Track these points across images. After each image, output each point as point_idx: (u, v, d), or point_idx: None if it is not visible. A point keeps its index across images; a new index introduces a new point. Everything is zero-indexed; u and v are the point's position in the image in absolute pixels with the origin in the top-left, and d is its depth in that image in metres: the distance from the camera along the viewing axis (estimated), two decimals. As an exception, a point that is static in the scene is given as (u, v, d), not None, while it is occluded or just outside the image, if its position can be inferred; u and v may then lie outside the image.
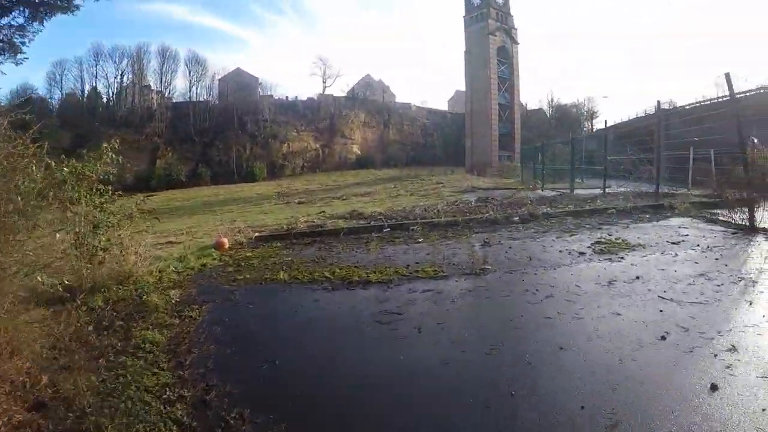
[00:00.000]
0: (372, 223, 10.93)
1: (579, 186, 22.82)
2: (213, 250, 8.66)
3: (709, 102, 32.56)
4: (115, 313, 5.14)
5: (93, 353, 4.11)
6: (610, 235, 8.11)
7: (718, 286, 5.17)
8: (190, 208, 38.29)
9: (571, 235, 8.42)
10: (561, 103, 79.45)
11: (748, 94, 27.94)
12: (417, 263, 6.79)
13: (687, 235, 7.98)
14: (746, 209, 8.58)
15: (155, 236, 14.04)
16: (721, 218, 9.28)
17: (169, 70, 75.48)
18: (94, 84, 72.47)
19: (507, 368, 3.54)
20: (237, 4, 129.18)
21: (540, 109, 79.38)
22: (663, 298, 4.85)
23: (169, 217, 29.56)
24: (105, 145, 6.67)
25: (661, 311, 4.49)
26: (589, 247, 7.33)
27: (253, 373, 3.75)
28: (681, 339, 3.87)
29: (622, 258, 6.54)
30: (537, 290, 5.27)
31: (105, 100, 73.39)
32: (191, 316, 5.03)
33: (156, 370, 3.78)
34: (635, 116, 42.94)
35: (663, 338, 3.90)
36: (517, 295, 5.20)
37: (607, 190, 15.64)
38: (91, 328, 4.69)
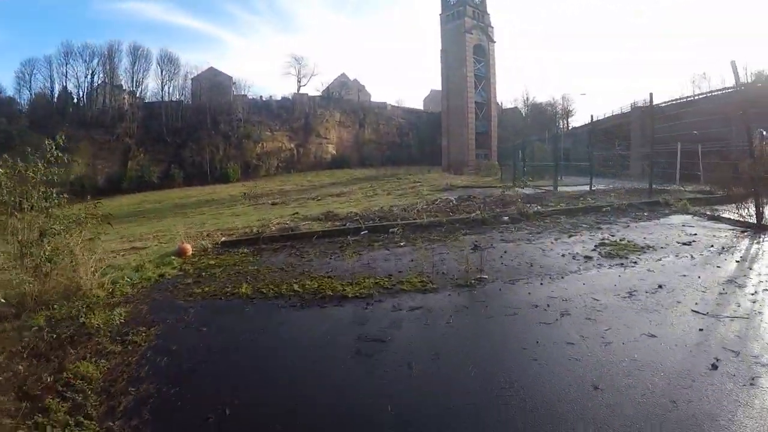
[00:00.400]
0: (348, 225, 9.97)
1: (561, 184, 22.19)
2: (174, 257, 7.65)
3: (685, 99, 32.85)
4: (54, 336, 4.29)
5: (15, 393, 3.36)
6: (612, 236, 7.34)
7: (753, 295, 4.43)
8: (161, 211, 36.85)
9: (570, 236, 7.63)
10: (536, 101, 79.55)
11: (725, 91, 27.72)
12: (400, 272, 5.88)
13: (695, 234, 7.25)
14: (752, 205, 7.93)
15: (120, 242, 13.02)
16: (725, 215, 8.57)
17: (141, 69, 72.95)
18: (64, 84, 69.57)
19: (531, 424, 2.61)
20: (212, 3, 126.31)
21: (515, 108, 79.31)
22: (697, 312, 4.06)
23: (138, 221, 28.38)
24: (47, 141, 5.79)
25: (700, 330, 3.70)
26: (593, 249, 6.53)
27: (198, 425, 2.87)
28: (735, 367, 3.08)
29: (634, 263, 5.74)
30: (548, 306, 4.39)
31: (75, 100, 70.41)
32: (135, 341, 4.21)
33: (81, 419, 2.98)
34: (611, 114, 42.64)
35: (714, 367, 3.10)
36: (525, 313, 4.28)
37: (593, 187, 14.97)
38: (25, 355, 3.97)
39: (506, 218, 9.10)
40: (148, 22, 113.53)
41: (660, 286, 4.74)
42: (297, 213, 16.56)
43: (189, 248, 8.13)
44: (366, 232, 8.93)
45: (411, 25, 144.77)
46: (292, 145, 73.54)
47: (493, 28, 60.82)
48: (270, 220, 13.24)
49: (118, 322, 4.63)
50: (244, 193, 39.51)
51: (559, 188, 16.87)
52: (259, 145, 71.50)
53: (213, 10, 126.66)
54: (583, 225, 8.54)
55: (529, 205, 10.65)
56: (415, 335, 3.99)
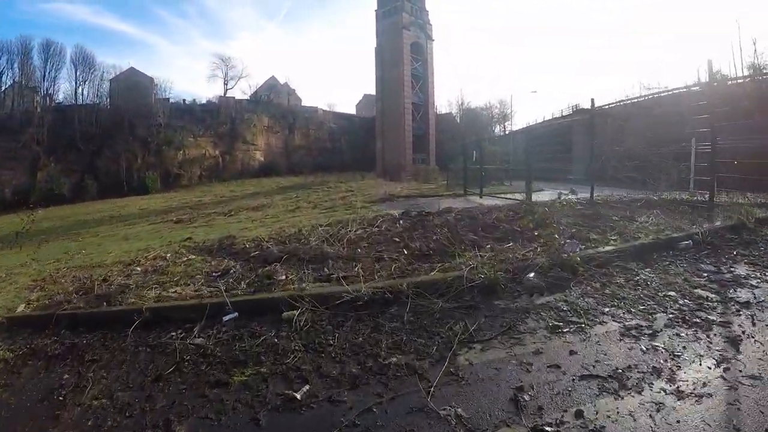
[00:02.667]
0: (213, 287, 4.98)
1: (512, 190, 17.99)
2: None
3: (635, 100, 30.36)
4: None
5: None
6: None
7: None
8: (54, 231, 29.94)
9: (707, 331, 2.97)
10: (470, 106, 76.60)
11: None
12: None
13: None
14: None
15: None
16: None
17: (53, 68, 63.40)
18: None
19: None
20: (142, 6, 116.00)
21: (449, 113, 76.01)
22: None
23: (17, 248, 22.00)
24: None
25: None
26: None
27: None
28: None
29: None
30: None
31: (-21, 103, 60.14)
32: None
33: None
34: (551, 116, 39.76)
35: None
36: None
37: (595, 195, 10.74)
38: None
39: (532, 277, 4.27)
40: (75, 24, 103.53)
41: None
42: (190, 238, 11.71)
43: None
44: (233, 316, 3.95)
45: (344, 30, 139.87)
46: (217, 152, 66.54)
47: (431, 25, 56.66)
48: (136, 258, 8.25)
49: None
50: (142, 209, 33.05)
51: (535, 196, 12.64)
52: (181, 152, 63.94)
53: (143, 13, 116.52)
54: (696, 290, 3.95)
55: (563, 243, 5.82)
56: None
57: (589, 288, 4.17)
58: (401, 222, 9.30)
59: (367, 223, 9.42)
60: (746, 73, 30.63)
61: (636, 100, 29.49)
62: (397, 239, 7.10)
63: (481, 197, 16.64)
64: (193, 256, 7.64)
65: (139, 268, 6.87)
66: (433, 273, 4.67)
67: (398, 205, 16.48)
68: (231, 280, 5.32)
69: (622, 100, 29.26)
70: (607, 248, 5.23)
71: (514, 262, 4.69)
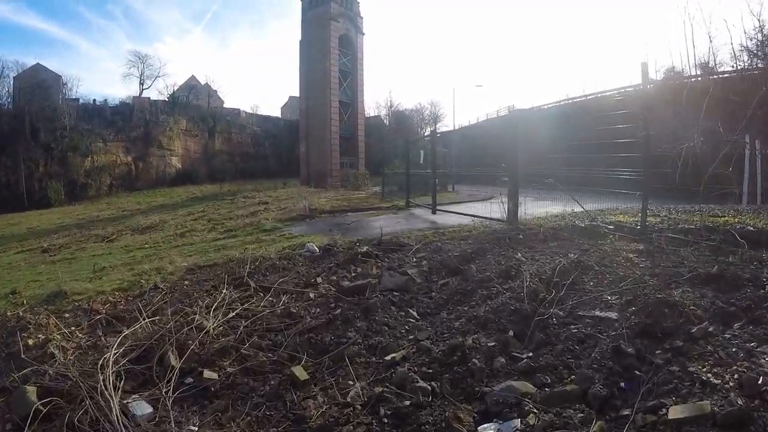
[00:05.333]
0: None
1: (461, 199, 15.43)
2: None
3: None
4: None
5: None
6: None
7: None
8: None
9: None
10: (400, 108, 74.27)
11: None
12: None
13: None
14: None
15: None
16: None
17: None
18: None
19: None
20: (66, 5, 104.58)
21: (378, 116, 73.21)
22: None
23: None
24: None
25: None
26: None
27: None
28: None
29: None
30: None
31: None
32: None
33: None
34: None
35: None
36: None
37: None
38: None
39: None
40: None
41: None
42: (16, 292, 8.74)
43: None
44: None
45: (270, 31, 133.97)
46: (129, 159, 60.27)
47: (362, 18, 52.23)
48: None
49: None
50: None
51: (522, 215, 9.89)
52: (89, 159, 57.23)
53: (65, 12, 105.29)
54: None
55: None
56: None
57: None
58: (320, 268, 6.24)
59: (268, 265, 6.26)
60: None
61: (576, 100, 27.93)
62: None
63: (434, 213, 13.70)
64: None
65: None
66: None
67: (321, 225, 13.40)
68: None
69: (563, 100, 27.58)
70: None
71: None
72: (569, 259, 5.66)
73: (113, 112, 62.81)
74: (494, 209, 11.20)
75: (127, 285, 7.69)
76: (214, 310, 5.33)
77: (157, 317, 5.54)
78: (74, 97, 63.46)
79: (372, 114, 72.49)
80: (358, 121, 50.71)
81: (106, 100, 64.71)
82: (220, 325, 4.88)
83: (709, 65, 29.16)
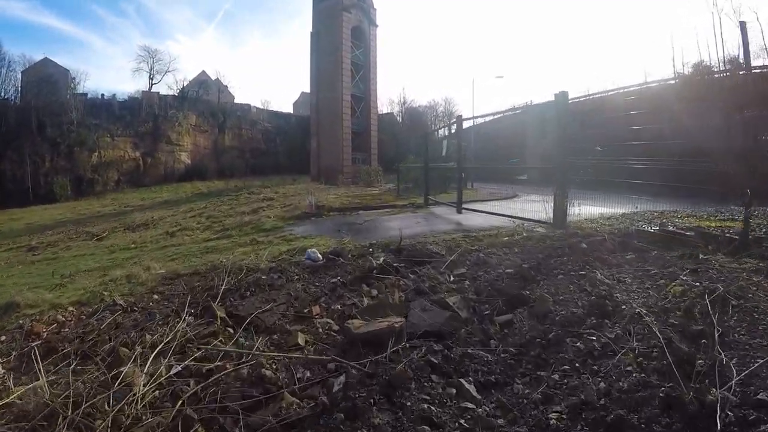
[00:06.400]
0: None
1: (482, 197, 13.76)
2: None
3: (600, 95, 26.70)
4: None
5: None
6: None
7: None
8: None
9: None
10: (413, 105, 72.24)
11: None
12: None
13: None
14: None
15: None
16: None
17: None
18: None
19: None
20: (79, 3, 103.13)
21: (391, 113, 71.24)
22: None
23: None
24: None
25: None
26: None
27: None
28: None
29: None
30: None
31: None
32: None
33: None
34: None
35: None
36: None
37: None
38: None
39: None
40: (10, 21, 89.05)
41: None
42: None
43: None
44: None
45: (283, 26, 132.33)
46: (138, 154, 58.74)
47: (375, 9, 49.63)
48: None
49: None
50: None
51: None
52: (96, 154, 55.81)
53: (80, 11, 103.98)
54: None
55: None
56: None
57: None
58: (321, 305, 4.43)
59: (224, 321, 4.39)
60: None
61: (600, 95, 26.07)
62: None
63: (459, 212, 11.83)
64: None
65: None
66: None
67: (329, 224, 11.62)
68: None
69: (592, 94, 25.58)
70: None
71: None
72: (685, 285, 3.77)
73: (121, 107, 61.31)
74: (528, 208, 9.34)
75: (88, 297, 6.40)
76: (156, 355, 3.53)
77: (78, 363, 3.80)
78: (83, 92, 62.20)
79: (385, 111, 70.62)
80: (371, 115, 48.41)
81: (114, 94, 63.22)
82: (155, 389, 3.05)
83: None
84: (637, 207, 8.87)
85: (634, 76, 55.43)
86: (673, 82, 18.50)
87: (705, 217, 8.08)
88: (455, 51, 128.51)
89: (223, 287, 5.28)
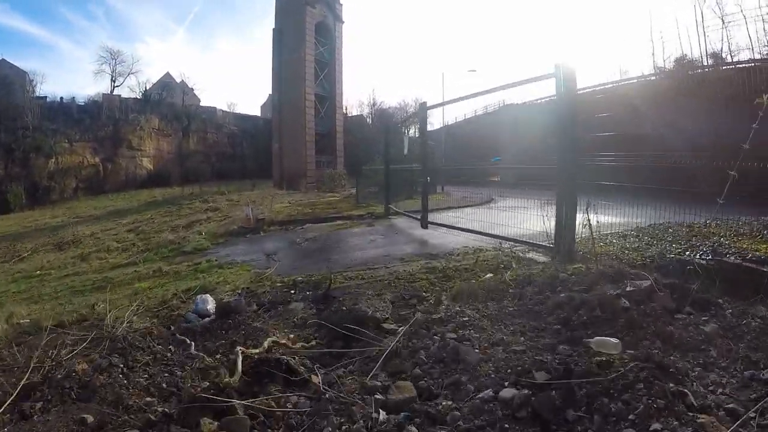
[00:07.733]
0: None
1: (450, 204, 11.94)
2: None
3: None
4: None
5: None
6: None
7: None
8: None
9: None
10: (384, 106, 70.13)
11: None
12: None
13: None
14: None
15: None
16: None
17: None
18: None
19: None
20: (48, 6, 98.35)
21: (360, 115, 69.02)
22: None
23: None
24: None
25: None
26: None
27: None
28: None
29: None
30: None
31: None
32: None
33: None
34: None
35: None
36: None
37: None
38: None
39: None
40: None
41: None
42: None
43: None
44: None
45: (249, 26, 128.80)
46: (97, 160, 55.48)
47: (341, 5, 47.34)
48: None
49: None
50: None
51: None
52: (53, 160, 52.51)
53: (47, 13, 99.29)
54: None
55: None
56: None
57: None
58: None
59: None
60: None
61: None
62: None
63: (425, 226, 9.60)
64: None
65: None
66: None
67: (264, 243, 9.62)
68: None
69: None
70: None
71: None
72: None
73: (80, 111, 58.10)
74: (511, 220, 7.31)
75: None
76: None
77: None
78: (42, 95, 58.75)
79: (355, 113, 68.48)
80: (337, 116, 46.04)
81: (73, 97, 59.68)
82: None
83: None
84: (641, 217, 6.85)
85: (609, 72, 54.33)
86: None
87: (747, 233, 5.99)
88: (426, 49, 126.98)
89: (23, 381, 3.11)
